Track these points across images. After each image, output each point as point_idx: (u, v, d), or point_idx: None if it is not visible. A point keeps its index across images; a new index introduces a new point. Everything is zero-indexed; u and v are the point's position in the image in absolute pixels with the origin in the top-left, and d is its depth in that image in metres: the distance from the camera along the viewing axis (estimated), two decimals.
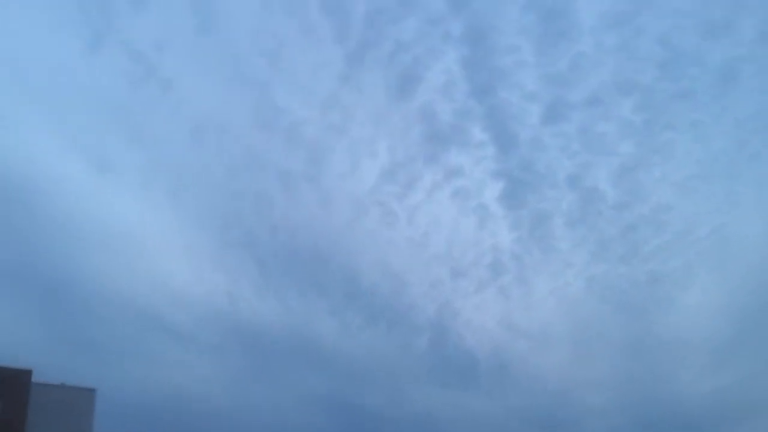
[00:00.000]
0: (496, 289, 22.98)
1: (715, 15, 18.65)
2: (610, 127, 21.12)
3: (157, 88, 19.57)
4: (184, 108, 20.11)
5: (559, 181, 21.77)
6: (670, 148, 21.06)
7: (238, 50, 20.24)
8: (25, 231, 18.64)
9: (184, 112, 20.18)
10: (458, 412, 23.24)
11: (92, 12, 18.25)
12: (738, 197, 21.17)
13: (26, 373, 12.48)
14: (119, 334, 20.30)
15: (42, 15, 18.07)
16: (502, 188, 22.05)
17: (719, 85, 19.96)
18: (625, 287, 22.05)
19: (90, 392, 13.64)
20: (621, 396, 22.58)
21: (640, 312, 22.35)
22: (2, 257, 19.12)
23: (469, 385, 23.33)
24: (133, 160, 19.90)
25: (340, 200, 22.52)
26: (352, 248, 23.00)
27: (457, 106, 21.42)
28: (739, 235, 21.36)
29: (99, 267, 19.65)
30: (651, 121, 20.75)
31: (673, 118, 20.76)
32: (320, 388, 22.46)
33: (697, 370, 22.08)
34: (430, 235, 23.25)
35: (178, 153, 20.69)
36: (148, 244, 20.41)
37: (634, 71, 20.30)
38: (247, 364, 21.91)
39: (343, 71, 20.84)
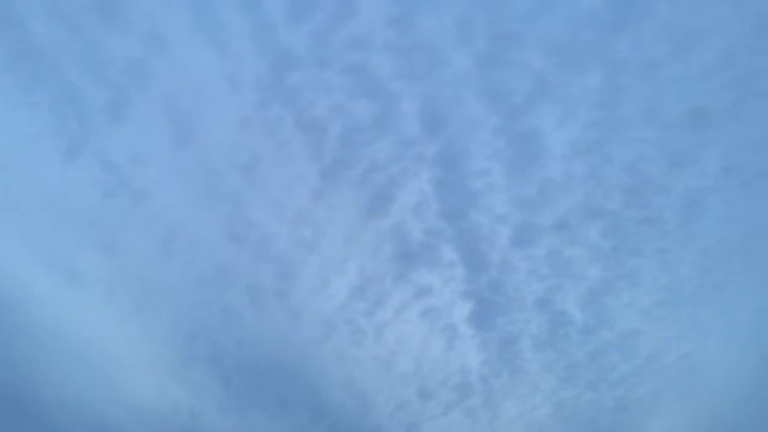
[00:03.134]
0: (464, 412, 22.66)
1: (681, 146, 19.25)
2: (578, 252, 21.40)
3: (130, 200, 19.49)
4: (156, 220, 20.02)
5: (527, 303, 21.80)
6: (636, 274, 21.31)
7: (213, 163, 20.37)
8: None
9: (156, 223, 20.08)
10: None
11: (69, 123, 18.31)
12: (703, 325, 21.38)
13: None
14: None
15: (17, 125, 18.14)
16: (471, 309, 22.01)
17: (685, 214, 20.42)
18: (593, 413, 21.94)
19: None
20: None
21: None
22: None
23: None
24: (101, 271, 19.64)
25: (309, 316, 22.26)
26: (319, 366, 22.66)
27: (429, 226, 21.57)
28: (706, 362, 21.49)
29: (61, 378, 19.19)
30: (618, 247, 21.02)
31: (639, 245, 21.08)
32: None
33: None
34: (398, 354, 22.97)
35: (147, 265, 20.48)
36: (111, 356, 19.99)
37: (602, 198, 20.75)
38: None
39: (316, 187, 20.99)
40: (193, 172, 19.92)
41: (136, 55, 17.30)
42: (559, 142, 19.62)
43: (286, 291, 21.90)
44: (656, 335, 21.33)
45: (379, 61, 18.23)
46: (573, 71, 18.00)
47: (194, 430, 21.11)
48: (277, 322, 22.06)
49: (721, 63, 16.66)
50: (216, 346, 21.86)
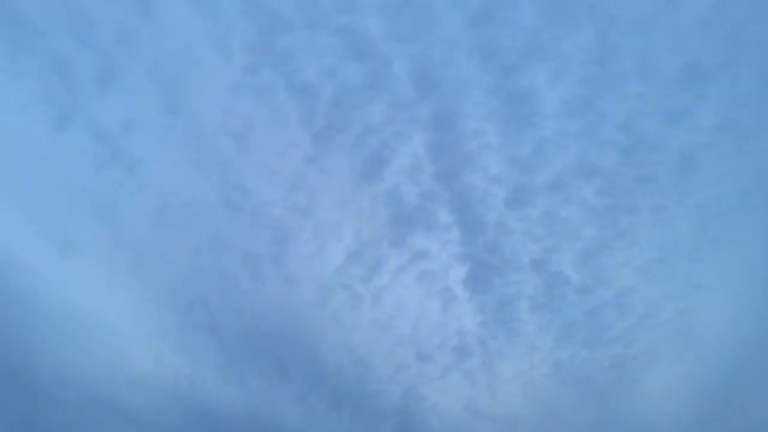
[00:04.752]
0: (462, 374, 22.72)
1: (675, 102, 19.14)
2: (574, 212, 21.34)
3: (123, 168, 19.38)
4: (150, 188, 19.92)
5: (523, 264, 21.77)
6: (632, 232, 21.25)
7: (205, 130, 20.22)
8: None
9: (150, 192, 19.98)
10: None
11: (58, 91, 18.15)
12: (700, 281, 21.37)
13: None
14: (75, 419, 19.76)
15: (6, 94, 17.99)
16: (468, 271, 21.99)
17: (680, 171, 20.34)
18: (590, 372, 22.00)
19: None
20: None
21: (605, 397, 22.27)
22: None
23: None
24: (96, 241, 19.58)
25: (306, 282, 22.23)
26: (317, 331, 22.69)
27: (423, 189, 21.49)
28: (702, 318, 21.51)
29: (57, 349, 19.19)
30: (613, 206, 20.96)
31: (634, 203, 21.03)
32: None
33: None
34: (396, 318, 22.97)
35: (142, 233, 20.42)
36: (108, 325, 19.98)
37: (597, 156, 20.64)
38: None
39: (309, 153, 20.88)
40: (184, 139, 19.79)
41: (123, 20, 17.14)
42: (553, 101, 19.50)
43: (282, 257, 21.86)
44: (652, 293, 21.34)
45: (369, 22, 18.07)
46: (565, 28, 17.86)
47: (194, 397, 21.17)
48: (274, 288, 22.05)
49: (714, 15, 16.52)
50: (214, 314, 21.87)
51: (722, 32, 16.78)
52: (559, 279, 21.75)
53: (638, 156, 19.68)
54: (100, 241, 19.64)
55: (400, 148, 20.91)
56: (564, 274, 21.70)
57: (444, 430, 22.83)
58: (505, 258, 21.77)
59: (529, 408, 22.96)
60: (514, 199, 21.13)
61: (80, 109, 18.26)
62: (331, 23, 18.21)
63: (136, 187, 19.64)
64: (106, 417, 20.53)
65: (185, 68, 18.43)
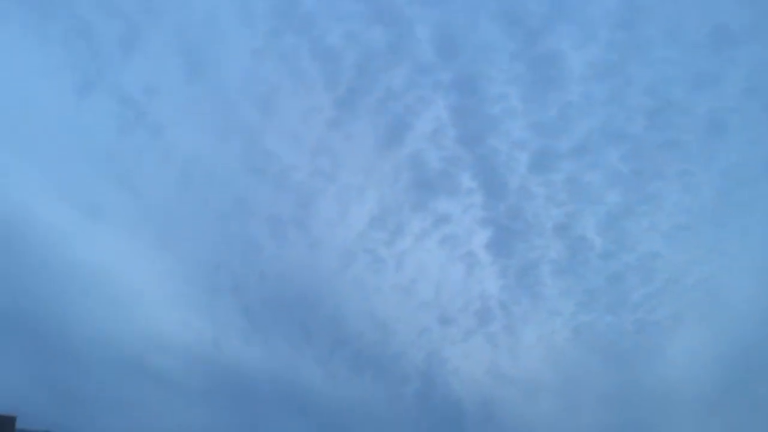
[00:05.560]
0: (484, 337, 22.77)
1: (703, 66, 18.91)
2: (598, 177, 21.21)
3: (147, 134, 19.51)
4: (174, 153, 20.02)
5: (546, 229, 21.74)
6: (657, 197, 21.14)
7: (228, 96, 20.26)
8: (11, 276, 18.40)
9: (174, 157, 20.08)
10: None
11: (82, 57, 18.23)
12: (725, 247, 21.21)
13: (10, 419, 12.37)
14: (104, 380, 19.97)
15: (31, 60, 18.07)
16: (490, 236, 21.99)
17: (706, 136, 20.15)
18: (613, 336, 21.93)
19: None
20: None
21: (628, 361, 22.20)
22: None
23: None
24: (121, 206, 19.74)
25: (329, 246, 22.34)
26: (340, 295, 22.79)
27: (446, 154, 21.44)
28: (726, 284, 21.35)
29: (85, 312, 19.39)
30: (639, 171, 20.84)
31: (660, 168, 20.88)
32: None
33: (685, 421, 21.97)
34: (418, 282, 23.04)
35: (166, 198, 20.56)
36: (135, 289, 20.17)
37: (623, 121, 20.47)
38: (233, 411, 21.57)
39: (332, 117, 20.87)
40: (208, 103, 19.88)
41: None
42: (579, 65, 19.37)
43: (306, 221, 21.94)
44: (677, 258, 21.23)
45: None
46: None
47: (219, 359, 21.36)
48: (298, 252, 22.15)
49: None
50: (238, 278, 21.99)
51: None
52: (582, 244, 21.70)
53: (665, 121, 19.54)
54: (126, 206, 19.83)
55: (423, 113, 20.88)
56: (587, 239, 21.65)
57: (466, 393, 22.92)
58: (528, 222, 21.75)
59: (551, 372, 23.00)
60: (537, 164, 21.08)
61: (104, 74, 18.38)
62: None
63: (160, 152, 19.79)
64: (133, 378, 20.76)
65: (208, 33, 18.47)
